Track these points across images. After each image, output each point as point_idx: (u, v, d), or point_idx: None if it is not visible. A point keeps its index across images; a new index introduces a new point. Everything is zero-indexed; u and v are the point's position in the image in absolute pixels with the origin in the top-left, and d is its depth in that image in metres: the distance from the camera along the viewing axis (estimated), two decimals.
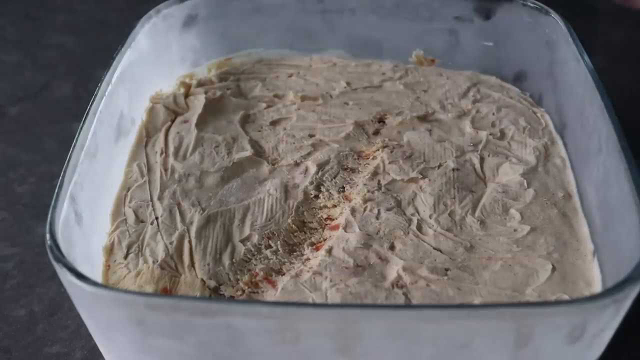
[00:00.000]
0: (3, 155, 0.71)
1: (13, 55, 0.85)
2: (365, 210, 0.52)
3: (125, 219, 0.52)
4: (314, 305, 0.45)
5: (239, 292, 0.48)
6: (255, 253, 0.50)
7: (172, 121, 0.61)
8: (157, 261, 0.49)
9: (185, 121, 0.61)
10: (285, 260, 0.50)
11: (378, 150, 0.58)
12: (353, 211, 0.52)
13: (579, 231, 0.51)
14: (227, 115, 0.61)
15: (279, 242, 0.51)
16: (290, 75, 0.66)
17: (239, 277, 0.49)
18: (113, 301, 0.40)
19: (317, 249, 0.51)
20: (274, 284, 0.48)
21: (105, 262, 0.50)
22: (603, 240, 0.49)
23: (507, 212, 0.52)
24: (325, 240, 0.51)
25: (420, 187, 0.54)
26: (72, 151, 0.48)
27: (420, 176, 0.55)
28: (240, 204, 0.53)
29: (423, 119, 0.61)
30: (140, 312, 0.40)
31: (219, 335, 0.40)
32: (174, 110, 0.62)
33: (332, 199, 0.54)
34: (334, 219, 0.53)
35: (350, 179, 0.56)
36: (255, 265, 0.49)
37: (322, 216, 0.53)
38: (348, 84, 0.65)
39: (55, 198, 0.45)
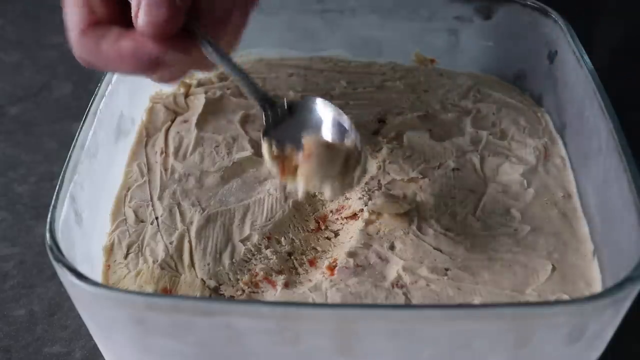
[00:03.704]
0: (3, 155, 0.71)
1: (13, 55, 0.85)
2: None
3: (125, 219, 0.52)
4: (314, 305, 0.45)
5: (239, 292, 0.48)
6: (255, 253, 0.50)
7: (172, 121, 0.61)
8: (157, 261, 0.49)
9: (185, 121, 0.61)
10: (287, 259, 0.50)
11: (379, 150, 0.58)
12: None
13: (579, 231, 0.51)
14: (227, 115, 0.61)
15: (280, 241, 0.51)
16: (291, 75, 0.66)
17: (239, 277, 0.49)
18: (113, 301, 0.40)
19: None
20: (274, 284, 0.48)
21: (105, 262, 0.50)
22: (603, 240, 0.49)
23: (508, 212, 0.52)
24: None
25: (421, 187, 0.54)
26: (72, 151, 0.48)
27: (421, 176, 0.55)
28: (240, 203, 0.53)
29: (423, 119, 0.61)
30: (140, 312, 0.40)
31: (219, 335, 0.40)
32: (174, 110, 0.62)
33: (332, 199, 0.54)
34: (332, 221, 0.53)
35: None
36: (255, 265, 0.49)
37: (320, 216, 0.53)
38: (348, 83, 0.65)
39: (55, 198, 0.45)
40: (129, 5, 0.46)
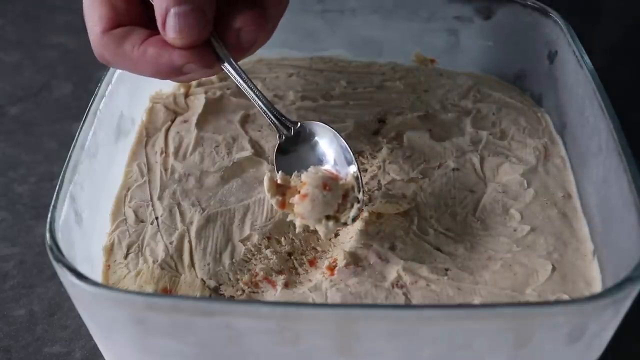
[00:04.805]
0: (3, 155, 0.71)
1: (13, 55, 0.85)
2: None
3: (125, 219, 0.52)
4: (314, 305, 0.45)
5: (239, 292, 0.48)
6: (255, 253, 0.50)
7: (172, 121, 0.61)
8: (157, 261, 0.49)
9: (185, 121, 0.61)
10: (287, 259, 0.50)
11: (379, 150, 0.58)
12: None
13: (579, 231, 0.51)
14: (227, 115, 0.61)
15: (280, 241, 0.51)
16: (290, 75, 0.66)
17: (239, 277, 0.49)
18: (113, 301, 0.40)
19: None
20: (274, 284, 0.48)
21: (105, 262, 0.50)
22: (603, 240, 0.49)
23: (507, 212, 0.52)
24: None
25: (421, 187, 0.54)
26: (72, 151, 0.48)
27: (421, 176, 0.55)
28: (240, 204, 0.53)
29: (423, 119, 0.61)
30: (140, 312, 0.40)
31: (219, 335, 0.40)
32: (174, 110, 0.62)
33: None
34: None
35: None
36: (255, 265, 0.49)
37: None
38: (348, 83, 0.65)
39: (55, 198, 0.45)
40: (149, 5, 0.46)
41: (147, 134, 0.59)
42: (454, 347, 0.40)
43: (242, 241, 0.51)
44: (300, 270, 0.50)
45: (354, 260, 0.48)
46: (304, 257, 0.50)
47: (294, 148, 0.52)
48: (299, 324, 0.40)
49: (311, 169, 0.49)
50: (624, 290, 0.39)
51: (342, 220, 0.48)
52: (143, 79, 0.60)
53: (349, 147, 0.50)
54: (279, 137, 0.52)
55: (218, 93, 0.63)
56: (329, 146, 0.51)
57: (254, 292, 0.48)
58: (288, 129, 0.52)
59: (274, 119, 0.51)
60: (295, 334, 0.40)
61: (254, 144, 0.58)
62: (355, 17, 0.67)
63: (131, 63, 0.47)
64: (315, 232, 0.52)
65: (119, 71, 0.56)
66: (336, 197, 0.48)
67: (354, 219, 0.48)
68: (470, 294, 0.47)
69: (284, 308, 0.41)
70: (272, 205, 0.53)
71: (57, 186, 0.46)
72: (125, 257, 0.50)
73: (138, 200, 0.54)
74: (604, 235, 0.49)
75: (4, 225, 0.64)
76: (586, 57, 0.55)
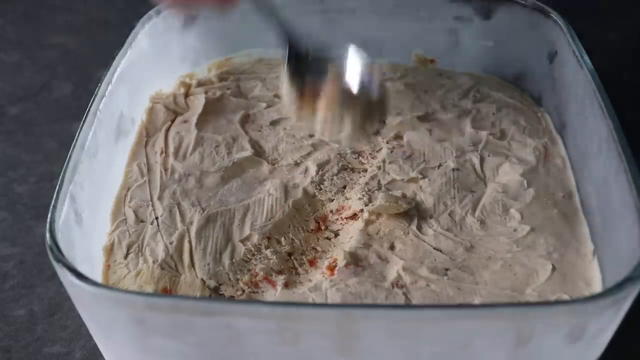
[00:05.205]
0: (3, 155, 0.71)
1: (13, 55, 0.85)
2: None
3: (125, 219, 0.52)
4: (314, 305, 0.45)
5: (239, 292, 0.48)
6: (255, 253, 0.50)
7: (172, 121, 0.61)
8: (157, 261, 0.49)
9: (185, 121, 0.61)
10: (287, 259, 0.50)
11: (379, 150, 0.58)
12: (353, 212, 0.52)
13: (579, 231, 0.51)
14: (227, 115, 0.61)
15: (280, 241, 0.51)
16: None
17: (239, 277, 0.49)
18: (113, 301, 0.40)
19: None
20: (274, 284, 0.48)
21: (105, 262, 0.50)
22: (603, 240, 0.49)
23: (507, 212, 0.52)
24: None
25: (420, 187, 0.54)
26: (72, 151, 0.48)
27: (420, 176, 0.55)
28: (240, 204, 0.53)
29: (423, 119, 0.61)
30: (140, 312, 0.40)
31: (219, 335, 0.40)
32: (174, 110, 0.62)
33: (332, 199, 0.54)
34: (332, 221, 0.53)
35: (351, 178, 0.56)
36: (255, 265, 0.49)
37: (320, 216, 0.53)
38: None
39: (55, 198, 0.45)
40: None
41: (147, 134, 0.59)
42: (454, 347, 0.40)
43: (242, 241, 0.51)
44: (300, 270, 0.50)
45: (354, 260, 0.48)
46: (304, 257, 0.50)
47: (307, 64, 0.51)
48: (299, 324, 0.40)
49: (330, 67, 0.48)
50: (624, 290, 0.39)
51: (366, 127, 0.48)
52: (143, 79, 0.61)
53: (373, 66, 0.50)
54: (290, 56, 0.50)
55: (218, 93, 0.63)
56: (349, 65, 0.50)
57: (254, 292, 0.48)
58: (298, 46, 0.50)
59: (289, 35, 0.50)
60: (295, 334, 0.40)
61: (254, 144, 0.58)
62: (355, 17, 0.66)
63: None
64: (314, 231, 0.52)
65: (119, 71, 0.56)
66: (360, 102, 0.48)
67: (375, 133, 0.48)
68: (470, 294, 0.47)
69: (284, 308, 0.41)
70: (272, 205, 0.53)
71: (57, 186, 0.46)
72: (125, 257, 0.50)
73: (138, 200, 0.54)
74: (604, 235, 0.49)
75: (4, 225, 0.64)
76: (586, 57, 0.55)
